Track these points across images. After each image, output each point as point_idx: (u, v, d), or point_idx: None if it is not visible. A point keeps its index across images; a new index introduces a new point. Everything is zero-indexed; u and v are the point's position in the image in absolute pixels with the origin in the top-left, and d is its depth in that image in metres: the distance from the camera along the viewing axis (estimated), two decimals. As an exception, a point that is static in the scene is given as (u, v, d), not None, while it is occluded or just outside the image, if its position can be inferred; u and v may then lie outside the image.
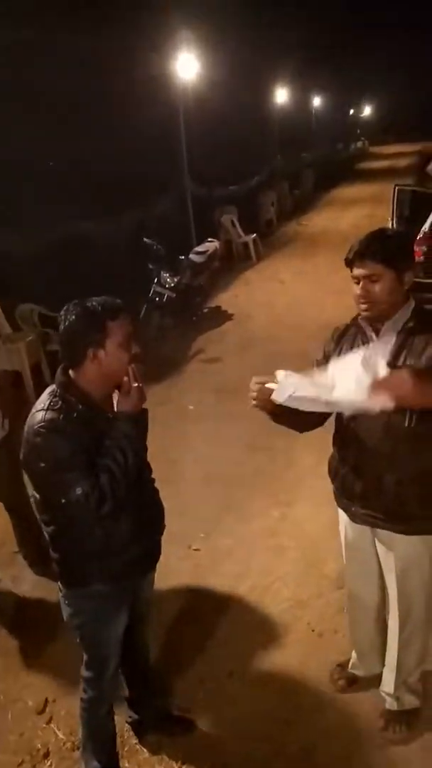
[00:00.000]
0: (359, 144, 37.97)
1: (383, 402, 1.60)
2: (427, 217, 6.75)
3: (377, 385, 1.62)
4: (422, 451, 1.86)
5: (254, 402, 1.85)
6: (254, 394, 1.84)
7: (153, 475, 2.08)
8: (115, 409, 1.80)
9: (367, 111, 46.08)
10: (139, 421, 1.82)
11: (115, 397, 1.82)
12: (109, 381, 1.80)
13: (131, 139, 8.51)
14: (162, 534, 2.09)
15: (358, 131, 42.14)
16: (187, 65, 9.31)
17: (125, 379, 1.78)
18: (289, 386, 1.75)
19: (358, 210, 15.06)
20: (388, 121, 49.73)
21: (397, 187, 7.31)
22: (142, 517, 1.93)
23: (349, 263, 1.87)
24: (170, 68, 9.22)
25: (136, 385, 1.79)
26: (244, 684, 2.56)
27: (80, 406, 1.74)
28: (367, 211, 14.42)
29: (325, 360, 2.05)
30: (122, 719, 2.37)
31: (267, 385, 1.80)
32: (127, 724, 2.36)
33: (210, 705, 2.48)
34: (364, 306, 1.87)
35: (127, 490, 1.77)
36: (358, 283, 1.86)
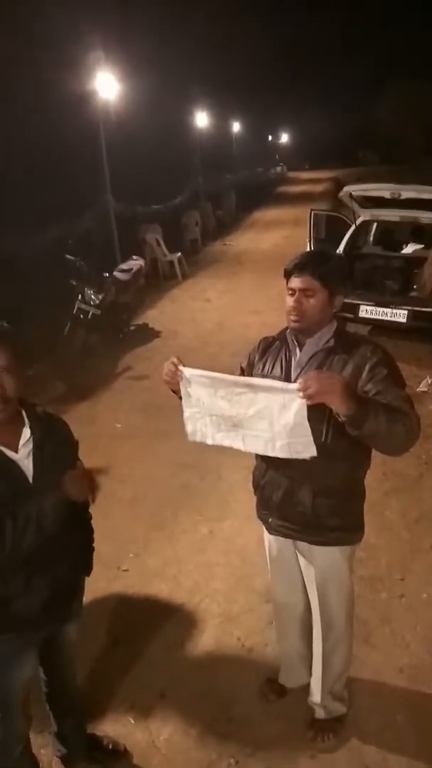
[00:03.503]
0: (278, 169, 39.45)
1: (309, 393, 1.65)
2: (341, 239, 7.11)
3: (308, 377, 1.68)
4: (336, 467, 1.94)
5: (166, 378, 1.93)
6: (168, 372, 1.91)
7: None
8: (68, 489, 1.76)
9: (284, 138, 48.13)
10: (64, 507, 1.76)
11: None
12: None
13: (52, 156, 8.40)
14: (77, 589, 2.03)
15: (277, 157, 43.86)
16: (108, 85, 9.35)
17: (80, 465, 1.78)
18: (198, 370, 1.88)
19: (278, 231, 15.61)
20: (305, 148, 52.32)
21: (313, 212, 7.63)
22: (41, 575, 1.80)
23: (288, 274, 1.94)
24: (91, 87, 9.23)
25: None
26: (176, 704, 2.53)
27: None
28: (286, 232, 14.97)
29: (249, 366, 2.12)
30: (51, 752, 2.29)
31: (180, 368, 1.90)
32: (56, 758, 2.28)
33: (142, 729, 2.43)
34: (294, 317, 1.94)
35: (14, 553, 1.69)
36: (292, 295, 1.93)
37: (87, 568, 2.06)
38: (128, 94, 10.62)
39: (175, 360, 1.92)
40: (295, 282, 1.92)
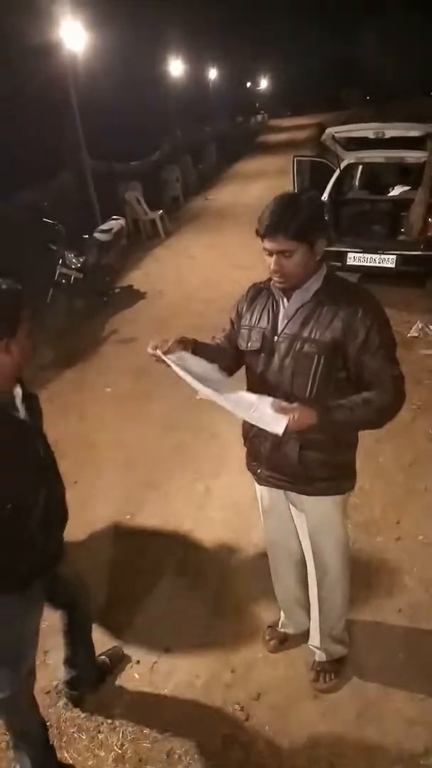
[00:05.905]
0: (259, 117, 38.16)
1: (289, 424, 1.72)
2: (326, 185, 6.91)
3: (284, 410, 1.73)
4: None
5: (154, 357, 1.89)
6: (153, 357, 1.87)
7: (69, 462, 2.04)
8: None
9: (263, 84, 46.37)
10: None
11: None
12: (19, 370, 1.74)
13: (19, 115, 8.05)
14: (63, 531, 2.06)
15: (257, 105, 42.38)
16: (75, 34, 8.88)
17: None
18: (186, 358, 1.85)
19: (261, 182, 15.20)
20: (286, 94, 50.37)
21: (296, 158, 7.39)
22: (50, 519, 1.87)
23: (260, 235, 1.80)
24: (57, 37, 8.76)
25: None
26: (180, 657, 2.57)
27: None
28: (270, 183, 14.56)
29: (238, 318, 2.05)
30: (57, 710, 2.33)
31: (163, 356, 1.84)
32: (62, 707, 2.33)
33: (147, 683, 2.48)
34: (278, 279, 1.84)
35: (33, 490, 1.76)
36: (270, 255, 1.81)
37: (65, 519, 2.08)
38: (97, 43, 10.10)
39: (151, 349, 1.85)
40: (271, 244, 1.78)
